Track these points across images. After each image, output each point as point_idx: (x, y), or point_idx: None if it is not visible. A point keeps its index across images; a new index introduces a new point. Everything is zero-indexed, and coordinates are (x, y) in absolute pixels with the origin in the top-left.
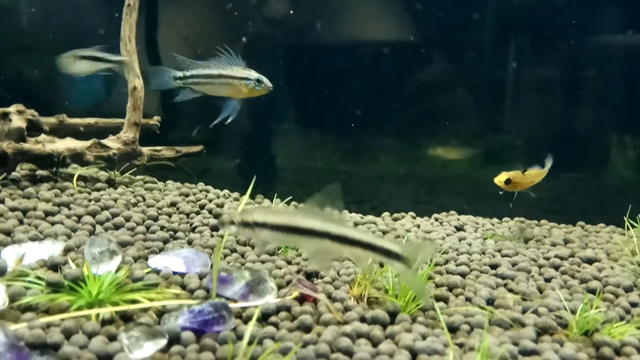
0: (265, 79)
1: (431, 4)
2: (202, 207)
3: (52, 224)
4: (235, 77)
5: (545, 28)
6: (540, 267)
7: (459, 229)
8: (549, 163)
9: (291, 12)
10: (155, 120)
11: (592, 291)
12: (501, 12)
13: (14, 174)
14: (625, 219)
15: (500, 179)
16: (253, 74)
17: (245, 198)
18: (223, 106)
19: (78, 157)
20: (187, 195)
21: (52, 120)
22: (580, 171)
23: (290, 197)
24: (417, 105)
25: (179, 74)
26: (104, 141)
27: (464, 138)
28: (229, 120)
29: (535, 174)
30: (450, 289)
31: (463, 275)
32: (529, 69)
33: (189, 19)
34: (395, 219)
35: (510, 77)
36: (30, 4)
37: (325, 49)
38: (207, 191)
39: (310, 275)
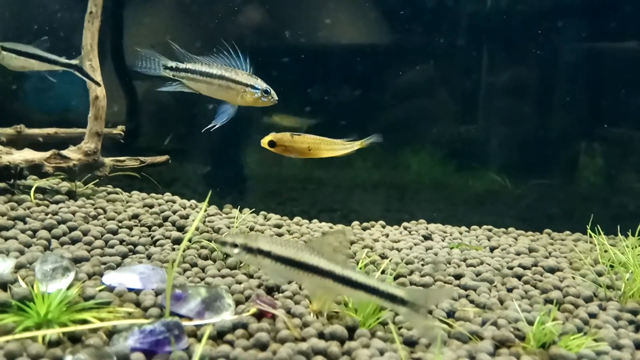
0: (272, 91)
1: (400, 9)
2: (165, 219)
3: (6, 239)
4: (240, 83)
5: (514, 35)
6: (503, 277)
7: (427, 237)
8: (365, 141)
9: (262, 18)
10: (119, 129)
11: (552, 301)
12: (470, 19)
13: None
14: (588, 227)
15: (265, 140)
16: (260, 83)
17: (203, 207)
18: (217, 110)
19: (36, 169)
20: (151, 207)
21: (9, 130)
22: (548, 178)
23: (254, 209)
24: (389, 111)
25: (172, 63)
26: (64, 152)
27: (435, 144)
28: (217, 126)
29: (311, 140)
30: None
31: (426, 286)
32: (497, 76)
33: (155, 26)
34: (365, 228)
35: (478, 84)
36: None
37: (295, 55)
38: (173, 202)
39: (271, 290)
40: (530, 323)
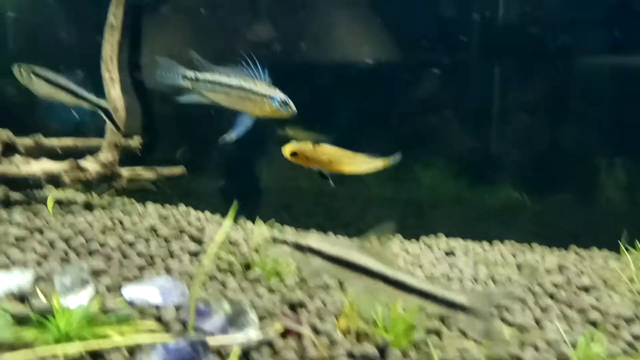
0: (291, 102)
1: (413, 25)
2: (181, 231)
3: (23, 250)
4: (259, 94)
5: (533, 49)
6: (535, 295)
7: (449, 253)
8: (389, 160)
9: (275, 35)
10: (136, 141)
11: (592, 322)
12: (486, 34)
13: None
14: (621, 243)
15: (286, 150)
16: (279, 94)
17: (228, 220)
18: (235, 121)
19: (54, 179)
20: (166, 218)
21: (27, 141)
22: (569, 193)
23: (273, 219)
24: (404, 125)
25: (190, 73)
26: (82, 162)
27: (451, 158)
28: (234, 137)
29: (332, 153)
30: (442, 320)
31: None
32: (517, 89)
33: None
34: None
35: (498, 97)
36: (9, 25)
37: (308, 69)
38: (188, 214)
39: (294, 306)
40: (573, 345)
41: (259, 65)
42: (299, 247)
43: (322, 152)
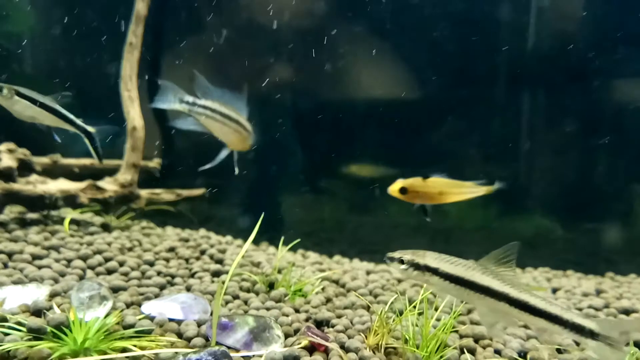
0: None
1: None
2: (202, 252)
3: (39, 267)
4: (247, 130)
5: (567, 72)
6: None
7: None
8: (493, 186)
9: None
10: (155, 163)
11: (635, 344)
12: (515, 64)
13: (1, 217)
14: None
15: (394, 187)
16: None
17: (249, 241)
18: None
19: (71, 199)
20: (186, 241)
21: (45, 160)
22: (602, 221)
23: (298, 240)
24: (427, 155)
25: (189, 98)
26: (100, 183)
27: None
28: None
29: (443, 184)
30: (476, 341)
31: None
32: (548, 117)
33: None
34: None
35: (529, 125)
36: (30, 43)
37: (331, 98)
38: (209, 237)
39: (320, 324)
40: None
41: (245, 98)
42: (416, 266)
43: (433, 184)
